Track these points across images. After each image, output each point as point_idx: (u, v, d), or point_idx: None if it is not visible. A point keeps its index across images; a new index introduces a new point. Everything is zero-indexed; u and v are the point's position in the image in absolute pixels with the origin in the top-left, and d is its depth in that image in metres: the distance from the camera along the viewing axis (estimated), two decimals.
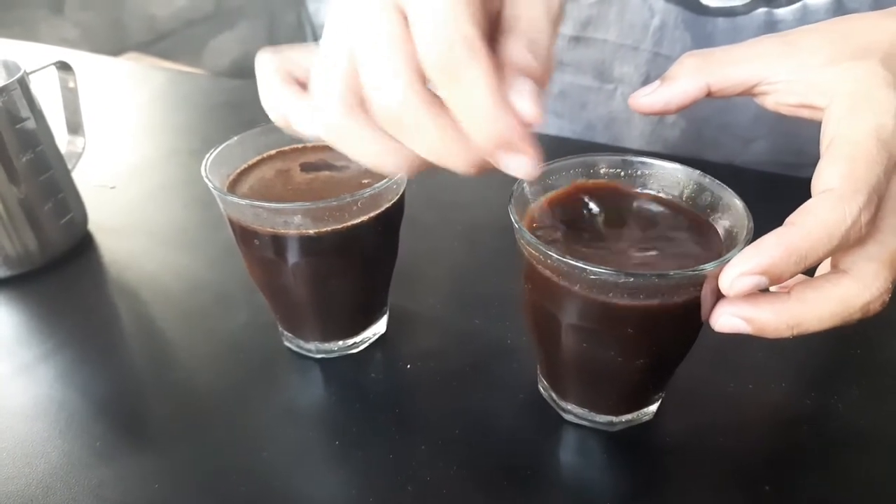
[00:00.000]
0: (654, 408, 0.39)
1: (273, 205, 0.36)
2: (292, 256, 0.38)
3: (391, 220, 0.40)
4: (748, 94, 0.32)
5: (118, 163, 0.68)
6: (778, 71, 0.31)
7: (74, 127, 0.58)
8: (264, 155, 0.43)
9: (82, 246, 0.55)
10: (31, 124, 0.49)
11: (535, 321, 0.36)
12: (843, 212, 0.26)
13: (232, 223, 0.39)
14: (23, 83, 0.49)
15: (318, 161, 0.43)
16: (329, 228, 0.37)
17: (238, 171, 0.42)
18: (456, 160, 0.26)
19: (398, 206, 0.40)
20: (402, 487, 0.35)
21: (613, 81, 0.31)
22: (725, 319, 0.29)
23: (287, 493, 0.35)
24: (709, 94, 0.32)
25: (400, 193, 0.40)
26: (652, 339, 0.32)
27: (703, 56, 0.32)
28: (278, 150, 0.43)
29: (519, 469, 0.36)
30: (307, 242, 0.37)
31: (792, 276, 0.27)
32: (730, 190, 0.34)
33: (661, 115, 0.32)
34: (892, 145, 0.27)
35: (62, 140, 0.56)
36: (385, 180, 0.37)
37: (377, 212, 0.38)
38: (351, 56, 0.26)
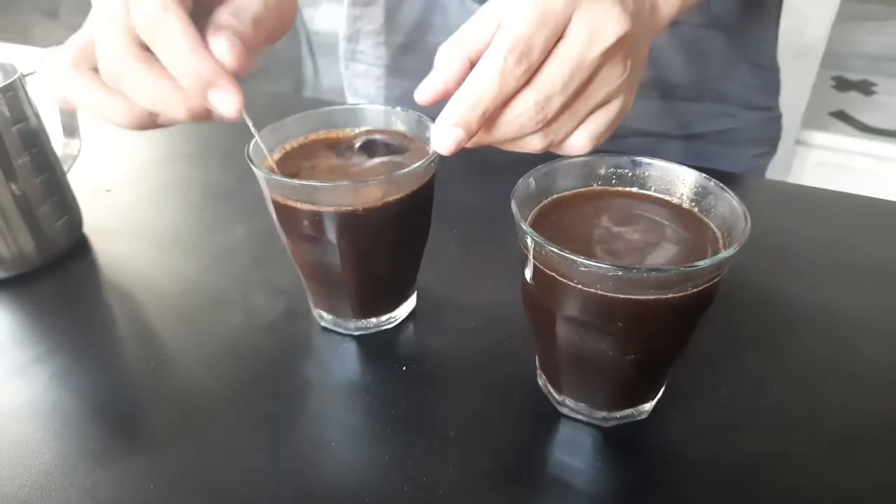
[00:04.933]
0: (649, 406, 0.39)
1: (328, 184, 0.38)
2: (339, 233, 0.39)
3: (427, 196, 0.43)
4: None
5: (114, 166, 0.68)
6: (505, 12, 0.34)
7: (70, 130, 0.57)
8: (302, 140, 0.45)
9: (78, 248, 0.55)
10: (27, 126, 0.49)
11: (531, 313, 0.37)
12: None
13: (276, 205, 0.40)
14: (19, 85, 0.49)
15: (352, 144, 0.45)
16: (373, 205, 0.39)
17: (280, 154, 0.43)
18: (174, 106, 0.34)
19: (431, 185, 0.42)
20: (398, 488, 0.35)
21: None
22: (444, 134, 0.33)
23: (282, 494, 0.35)
24: (472, 66, 0.35)
25: (433, 173, 0.42)
26: (643, 335, 0.33)
27: (452, 38, 0.36)
28: (315, 135, 0.45)
29: (515, 470, 0.36)
30: (352, 219, 0.39)
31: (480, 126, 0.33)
32: (730, 192, 0.35)
33: (444, 99, 0.35)
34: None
35: (58, 142, 0.56)
36: (423, 160, 0.39)
37: (416, 188, 0.40)
38: (89, 35, 0.35)
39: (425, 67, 0.37)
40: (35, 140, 0.50)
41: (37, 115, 0.51)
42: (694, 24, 0.65)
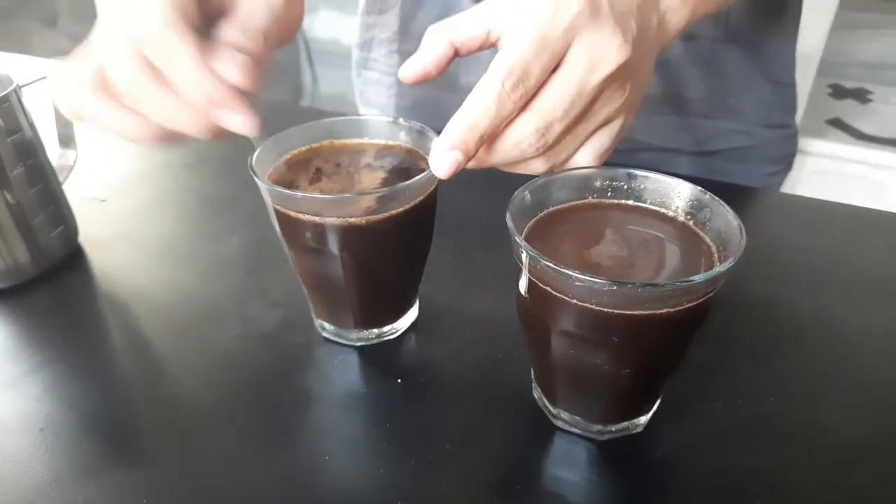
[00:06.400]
0: (644, 419, 0.39)
1: (331, 196, 0.39)
2: (342, 245, 0.39)
3: (430, 208, 0.43)
4: (489, 45, 0.36)
5: (109, 176, 0.67)
6: (502, 17, 0.35)
7: (66, 140, 0.57)
8: (305, 150, 0.45)
9: (73, 259, 0.55)
10: (22, 137, 0.49)
11: (526, 327, 0.37)
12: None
13: (279, 216, 0.40)
14: (14, 97, 0.49)
15: (355, 155, 0.45)
16: (376, 217, 0.39)
17: (283, 164, 0.43)
18: (187, 124, 0.34)
19: (434, 196, 0.42)
20: (392, 502, 0.35)
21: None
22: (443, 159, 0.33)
23: None
24: (457, 53, 0.37)
25: (436, 184, 0.42)
26: (638, 349, 0.33)
27: (442, 22, 0.37)
28: (317, 145, 0.45)
29: (510, 484, 0.36)
30: (356, 231, 0.39)
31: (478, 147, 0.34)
32: (726, 206, 0.35)
33: (426, 80, 0.37)
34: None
35: (53, 153, 0.56)
36: (425, 172, 0.39)
37: (419, 200, 0.40)
38: (98, 54, 0.34)
39: (442, 76, 0.37)
40: (30, 151, 0.50)
41: (32, 126, 0.51)
42: (711, 39, 0.64)
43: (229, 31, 0.34)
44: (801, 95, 1.43)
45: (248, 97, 0.34)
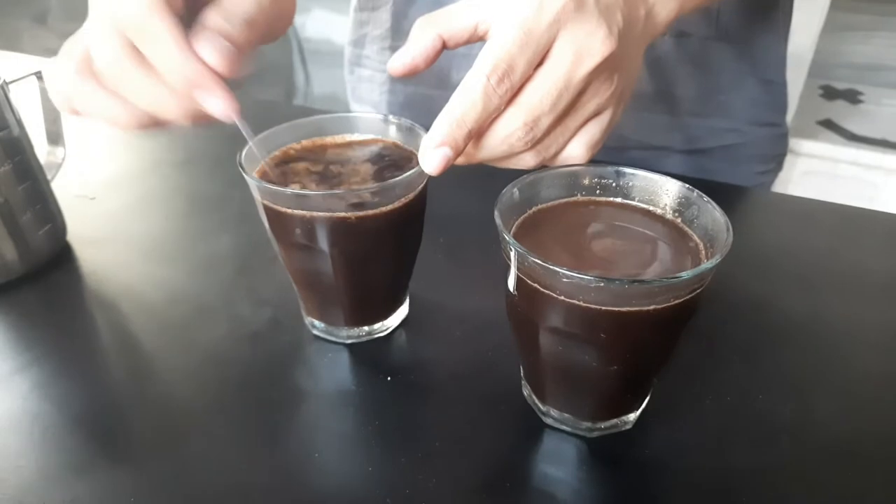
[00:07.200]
0: (633, 416, 0.39)
1: (320, 192, 0.39)
2: (331, 241, 0.39)
3: (419, 204, 0.43)
4: (477, 38, 0.37)
5: (98, 174, 0.67)
6: (489, 11, 0.35)
7: (54, 137, 0.57)
8: (295, 147, 0.45)
9: (61, 257, 0.54)
10: (9, 135, 0.49)
11: (515, 324, 0.37)
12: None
13: (269, 213, 0.40)
14: (2, 93, 0.49)
15: (344, 153, 0.45)
16: (365, 214, 0.39)
17: (269, 161, 0.43)
18: (169, 108, 0.34)
19: (424, 193, 0.42)
20: (381, 501, 0.35)
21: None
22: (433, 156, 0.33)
23: None
24: (445, 46, 0.37)
25: (425, 181, 0.42)
26: (626, 346, 0.33)
27: (431, 15, 0.37)
28: (308, 142, 0.45)
29: (499, 482, 0.36)
30: (346, 227, 0.39)
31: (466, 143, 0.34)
32: (713, 203, 0.35)
33: (414, 73, 0.37)
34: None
35: (42, 150, 0.55)
36: (415, 169, 0.39)
37: (408, 196, 0.40)
38: (85, 40, 0.34)
39: (429, 74, 0.37)
40: (18, 148, 0.50)
41: (20, 123, 0.50)
42: (702, 36, 0.65)
43: (212, 17, 0.34)
44: (792, 96, 1.44)
45: (244, 56, 0.35)
